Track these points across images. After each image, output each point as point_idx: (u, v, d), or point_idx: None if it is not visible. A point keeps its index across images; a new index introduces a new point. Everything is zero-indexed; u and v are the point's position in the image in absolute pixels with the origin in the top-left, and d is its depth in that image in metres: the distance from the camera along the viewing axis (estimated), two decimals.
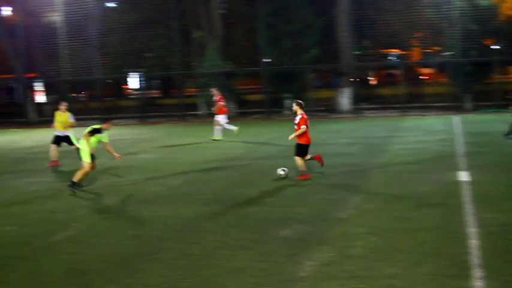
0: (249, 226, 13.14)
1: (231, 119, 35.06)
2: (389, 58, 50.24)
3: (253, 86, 55.79)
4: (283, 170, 18.94)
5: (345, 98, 41.55)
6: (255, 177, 19.21)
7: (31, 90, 53.61)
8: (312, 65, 41.39)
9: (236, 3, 45.23)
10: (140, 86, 51.67)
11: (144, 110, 45.66)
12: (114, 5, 48.50)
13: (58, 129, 23.93)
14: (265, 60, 41.74)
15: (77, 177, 18.36)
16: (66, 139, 23.80)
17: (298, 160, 18.64)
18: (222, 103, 30.37)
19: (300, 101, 19.14)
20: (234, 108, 42.51)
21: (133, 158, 24.83)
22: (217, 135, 30.05)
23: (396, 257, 10.69)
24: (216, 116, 30.36)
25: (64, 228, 13.93)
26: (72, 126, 23.94)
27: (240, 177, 19.38)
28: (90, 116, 42.48)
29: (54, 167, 23.41)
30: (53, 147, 23.81)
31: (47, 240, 12.97)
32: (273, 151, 25.27)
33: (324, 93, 46.64)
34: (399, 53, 48.84)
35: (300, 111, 18.74)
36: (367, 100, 44.18)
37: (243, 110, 43.43)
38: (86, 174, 18.64)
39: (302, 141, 18.64)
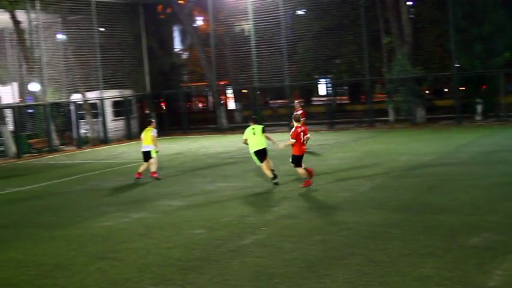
0: (437, 234, 12.99)
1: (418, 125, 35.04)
2: None
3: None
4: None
5: None
6: (443, 184, 18.92)
7: (223, 97, 55.20)
8: (504, 69, 40.04)
9: (426, 7, 44.51)
10: (328, 92, 51.95)
11: (332, 116, 45.69)
12: (304, 13, 48.97)
13: (143, 145, 24.02)
14: (456, 64, 40.80)
15: (269, 174, 20.55)
16: (147, 153, 23.87)
17: (299, 170, 19.86)
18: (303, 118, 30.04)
19: (296, 115, 20.66)
20: (422, 115, 41.85)
21: (322, 164, 25.00)
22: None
23: None
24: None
25: (253, 232, 14.33)
26: (155, 141, 23.90)
27: (428, 184, 19.12)
28: (278, 122, 43.45)
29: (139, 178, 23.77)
30: (145, 163, 24.03)
31: (235, 244, 13.41)
32: (463, 157, 24.69)
33: None
34: None
35: (296, 125, 20.10)
36: None
37: (432, 116, 42.62)
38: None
39: (295, 152, 19.81)
